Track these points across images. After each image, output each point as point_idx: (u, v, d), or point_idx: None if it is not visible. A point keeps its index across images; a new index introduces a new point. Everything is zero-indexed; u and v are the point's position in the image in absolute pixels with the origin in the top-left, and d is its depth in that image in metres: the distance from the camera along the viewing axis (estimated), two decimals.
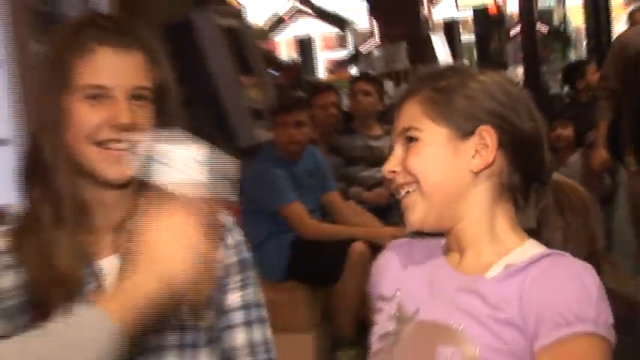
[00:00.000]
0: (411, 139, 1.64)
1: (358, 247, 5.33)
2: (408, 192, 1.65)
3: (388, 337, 1.68)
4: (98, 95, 1.67)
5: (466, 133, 1.63)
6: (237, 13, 8.44)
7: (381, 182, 6.24)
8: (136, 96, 1.69)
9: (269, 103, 7.34)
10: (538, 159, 1.68)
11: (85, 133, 1.66)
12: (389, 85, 8.96)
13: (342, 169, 6.19)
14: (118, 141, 1.66)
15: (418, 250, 1.76)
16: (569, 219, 1.74)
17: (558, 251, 1.63)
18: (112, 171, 1.68)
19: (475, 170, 1.63)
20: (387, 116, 6.69)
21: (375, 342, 1.72)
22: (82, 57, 1.67)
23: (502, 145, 1.63)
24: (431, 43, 13.03)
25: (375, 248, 5.35)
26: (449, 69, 1.74)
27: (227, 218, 1.82)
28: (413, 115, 1.65)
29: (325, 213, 5.67)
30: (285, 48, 17.89)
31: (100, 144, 1.67)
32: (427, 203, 1.63)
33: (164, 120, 1.73)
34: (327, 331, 5.59)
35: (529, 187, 1.68)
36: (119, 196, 1.74)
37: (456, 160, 1.63)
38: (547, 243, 1.67)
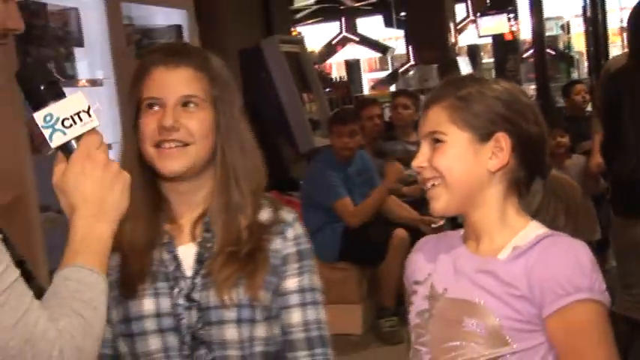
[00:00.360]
0: (437, 141, 1.62)
1: (399, 233, 5.32)
2: (433, 185, 1.63)
3: (424, 313, 1.67)
4: (153, 105, 1.68)
5: (484, 138, 1.61)
6: (298, 41, 8.44)
7: (416, 180, 6.21)
8: (185, 103, 1.67)
9: (324, 115, 7.34)
10: (541, 157, 1.67)
11: (147, 137, 1.67)
12: (423, 100, 8.91)
13: (384, 169, 6.17)
14: (167, 141, 1.66)
15: (442, 242, 1.75)
16: (564, 205, 1.71)
17: (557, 232, 1.62)
18: (166, 165, 1.67)
19: (492, 170, 1.61)
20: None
21: (413, 318, 1.71)
22: (143, 77, 1.70)
23: (513, 147, 1.61)
24: (457, 64, 12.95)
25: (414, 235, 5.35)
26: (468, 78, 1.73)
27: (289, 214, 1.77)
28: (439, 120, 1.63)
29: None
30: (336, 69, 17.85)
31: (157, 145, 1.67)
32: (450, 195, 1.62)
33: (225, 122, 1.71)
34: (373, 303, 5.56)
35: (532, 181, 1.67)
36: (193, 189, 1.73)
37: (475, 161, 1.61)
38: (549, 224, 1.66)
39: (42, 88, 1.33)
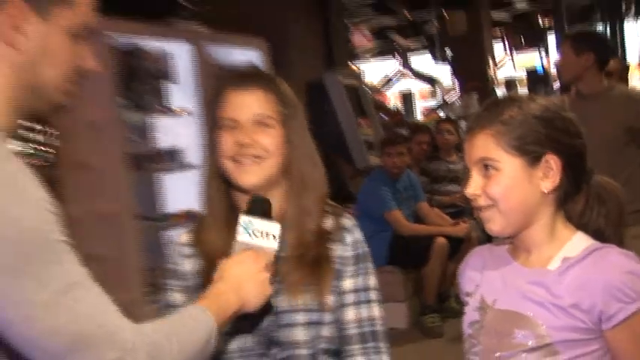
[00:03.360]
0: (487, 167, 1.47)
1: (440, 241, 5.33)
2: (487, 209, 1.48)
3: (474, 324, 1.55)
4: (232, 125, 1.63)
5: (534, 161, 1.46)
6: (357, 75, 8.52)
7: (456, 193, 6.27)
8: (260, 122, 1.62)
9: (378, 138, 7.39)
10: (585, 166, 1.52)
11: (225, 152, 1.63)
12: (465, 125, 8.89)
13: (428, 185, 6.23)
14: (244, 155, 1.61)
15: (489, 254, 1.62)
16: (607, 208, 1.54)
17: (605, 244, 1.47)
18: (243, 179, 1.62)
19: (546, 191, 1.47)
20: (462, 147, 6.69)
21: (465, 328, 1.58)
22: (220, 98, 1.66)
23: (563, 166, 1.47)
24: (496, 94, 12.85)
25: (453, 242, 5.36)
26: (507, 99, 1.53)
27: (347, 221, 1.70)
28: (487, 147, 1.47)
29: (417, 217, 5.69)
30: (393, 99, 17.85)
31: (235, 160, 1.62)
32: (505, 220, 1.47)
33: (294, 139, 1.66)
34: (417, 301, 5.57)
35: (580, 191, 1.52)
36: None
37: (529, 185, 1.46)
38: (595, 229, 1.52)
39: (259, 207, 1.53)
